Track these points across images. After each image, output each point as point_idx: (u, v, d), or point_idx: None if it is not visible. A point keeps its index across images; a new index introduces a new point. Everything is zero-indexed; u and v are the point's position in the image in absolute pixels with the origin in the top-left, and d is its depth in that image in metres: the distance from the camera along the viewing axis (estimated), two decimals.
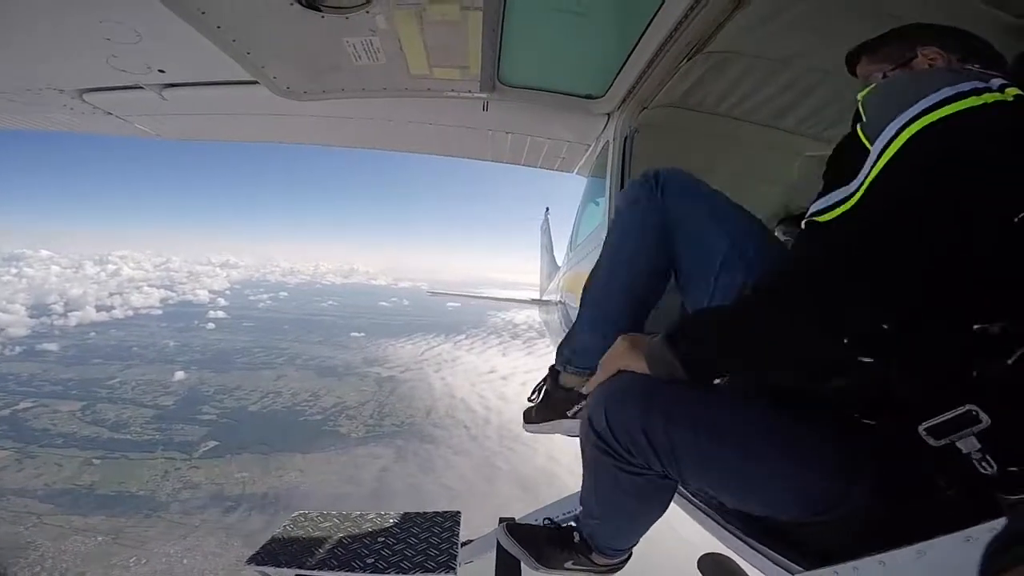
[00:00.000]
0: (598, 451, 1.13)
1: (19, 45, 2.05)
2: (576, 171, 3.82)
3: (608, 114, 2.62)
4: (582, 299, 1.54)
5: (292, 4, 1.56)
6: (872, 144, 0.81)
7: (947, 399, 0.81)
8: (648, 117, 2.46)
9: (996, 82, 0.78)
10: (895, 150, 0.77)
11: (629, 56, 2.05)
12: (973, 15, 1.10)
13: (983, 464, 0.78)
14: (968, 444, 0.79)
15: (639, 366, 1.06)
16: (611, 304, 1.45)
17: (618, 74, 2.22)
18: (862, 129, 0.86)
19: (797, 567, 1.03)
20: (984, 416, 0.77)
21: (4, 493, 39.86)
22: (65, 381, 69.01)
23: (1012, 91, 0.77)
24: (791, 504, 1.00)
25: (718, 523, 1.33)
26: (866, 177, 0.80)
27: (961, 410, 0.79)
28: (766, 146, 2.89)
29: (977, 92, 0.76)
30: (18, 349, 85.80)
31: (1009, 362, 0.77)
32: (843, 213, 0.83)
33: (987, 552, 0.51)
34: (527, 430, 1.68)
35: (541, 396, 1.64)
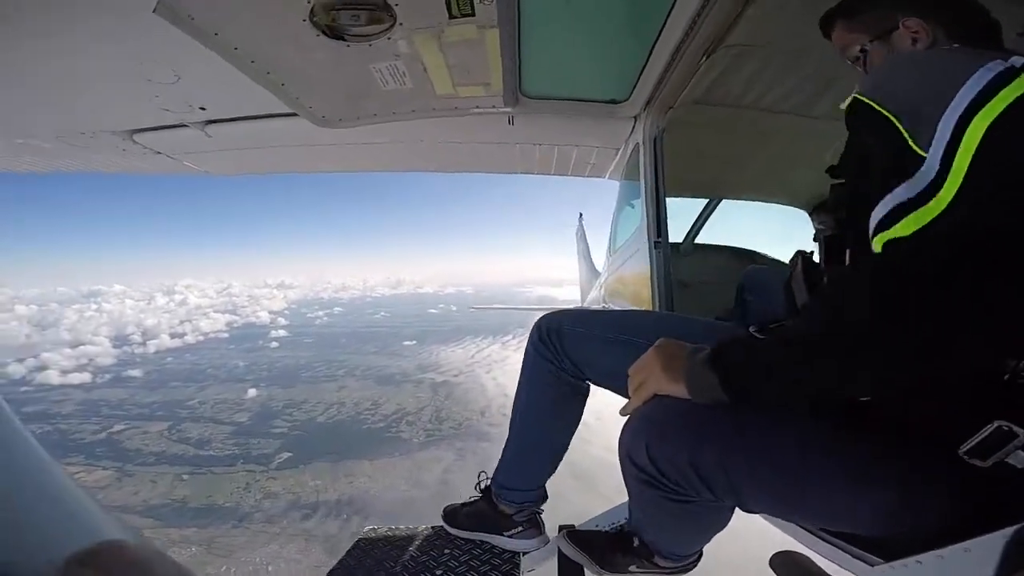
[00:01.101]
0: (641, 483, 1.04)
1: (71, 89, 2.13)
2: (608, 176, 3.79)
3: (635, 117, 2.58)
4: (510, 422, 1.63)
5: (318, 36, 1.62)
6: (921, 145, 0.71)
7: (974, 415, 0.75)
8: (675, 116, 2.42)
9: (1018, 60, 0.69)
10: (973, 148, 0.66)
11: (649, 57, 2.04)
12: None
13: None
14: (1019, 459, 0.72)
15: (677, 390, 0.94)
16: (530, 437, 1.61)
17: (640, 76, 2.20)
18: (897, 121, 0.75)
19: (878, 559, 0.97)
20: (1019, 430, 0.71)
21: (110, 510, 43.06)
22: (150, 404, 74.36)
23: None
24: (862, 524, 0.92)
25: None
26: (940, 181, 0.68)
27: (991, 428, 0.73)
28: (797, 135, 2.83)
29: (1015, 72, 0.67)
30: (107, 376, 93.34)
31: None
32: (932, 229, 0.69)
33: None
34: (450, 531, 1.79)
35: (474, 507, 1.76)
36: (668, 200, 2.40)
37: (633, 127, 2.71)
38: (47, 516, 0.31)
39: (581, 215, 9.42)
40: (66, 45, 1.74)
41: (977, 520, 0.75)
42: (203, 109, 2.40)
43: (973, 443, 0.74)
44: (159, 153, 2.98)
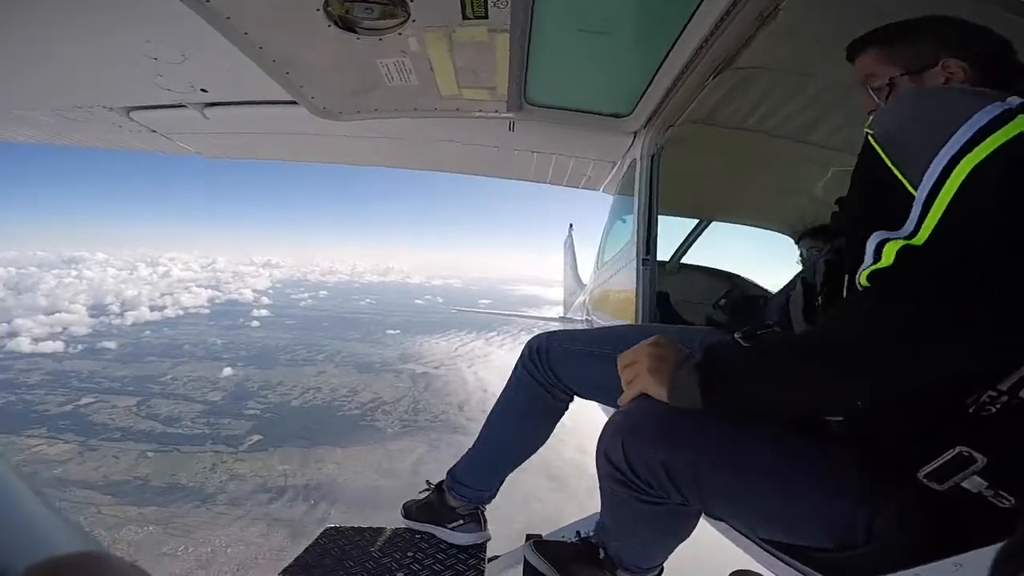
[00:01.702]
0: (614, 482, 1.10)
1: (72, 63, 2.13)
2: (602, 189, 3.80)
3: (635, 132, 2.59)
4: (483, 424, 1.74)
5: (330, 26, 1.62)
6: (915, 185, 0.74)
7: (937, 441, 0.79)
8: (675, 134, 2.43)
9: (1015, 100, 0.72)
10: (955, 187, 0.70)
11: (656, 74, 2.05)
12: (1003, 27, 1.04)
13: (1000, 500, 0.75)
14: (974, 484, 0.76)
15: (659, 394, 0.98)
16: (502, 441, 1.72)
17: (645, 92, 2.21)
18: (895, 166, 0.78)
19: None
20: (979, 456, 0.75)
21: (68, 484, 42.35)
22: (122, 378, 72.86)
23: None
24: (818, 535, 0.96)
25: (749, 539, 1.27)
26: (922, 218, 0.72)
27: (952, 453, 0.77)
28: (795, 160, 2.86)
29: (1010, 115, 0.70)
30: (80, 347, 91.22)
31: (997, 400, 0.74)
32: (907, 262, 0.74)
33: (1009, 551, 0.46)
34: (404, 523, 1.88)
35: (426, 499, 1.86)
36: (663, 218, 2.39)
37: (632, 142, 2.72)
38: (5, 525, 0.30)
39: (571, 225, 9.46)
40: (77, 20, 1.73)
41: (930, 544, 0.80)
42: (204, 91, 2.38)
43: (933, 467, 0.79)
44: (154, 132, 2.96)
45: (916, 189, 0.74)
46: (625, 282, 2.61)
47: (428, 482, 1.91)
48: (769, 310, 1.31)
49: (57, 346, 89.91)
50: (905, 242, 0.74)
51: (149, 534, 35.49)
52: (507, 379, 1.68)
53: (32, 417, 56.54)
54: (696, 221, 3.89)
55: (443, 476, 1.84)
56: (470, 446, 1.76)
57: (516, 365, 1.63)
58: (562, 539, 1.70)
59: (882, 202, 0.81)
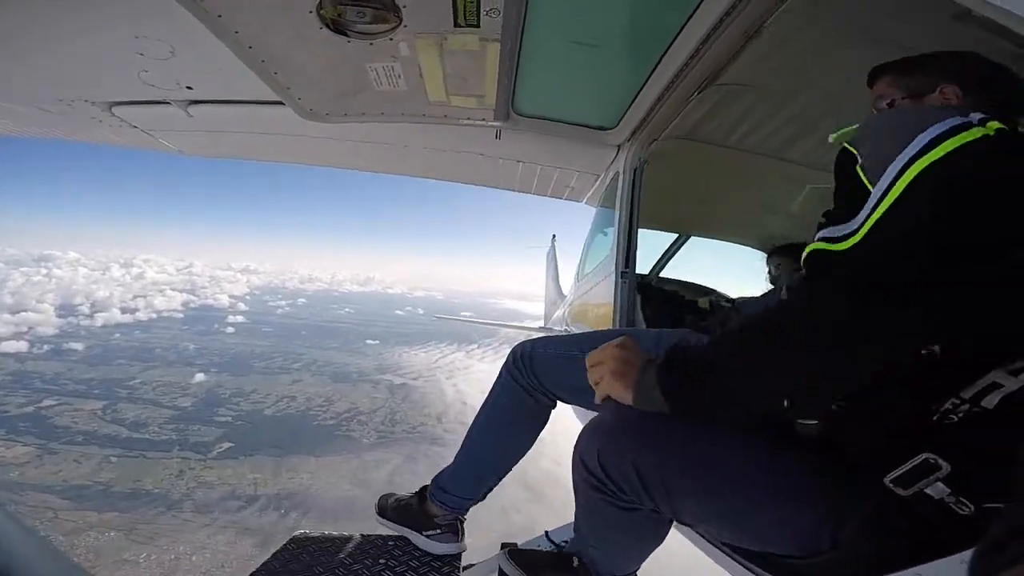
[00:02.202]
0: (589, 487, 1.12)
1: (56, 56, 2.10)
2: (585, 201, 3.84)
3: (618, 145, 2.62)
4: (467, 433, 1.73)
5: (321, 28, 1.62)
6: (873, 185, 0.79)
7: (905, 447, 0.82)
8: (658, 149, 2.46)
9: (976, 116, 0.76)
10: (900, 190, 0.74)
11: (641, 89, 2.07)
12: (990, 50, 1.10)
13: (960, 507, 0.78)
14: (937, 490, 0.79)
15: (625, 398, 0.98)
16: (484, 453, 1.71)
17: (630, 106, 2.24)
18: (861, 171, 0.83)
19: None
20: (943, 463, 0.78)
21: (24, 488, 40.67)
22: (88, 380, 70.47)
23: (993, 124, 0.75)
24: (785, 541, 0.99)
25: (717, 548, 1.29)
26: (868, 216, 0.77)
27: (918, 459, 0.80)
28: (774, 178, 2.90)
29: (966, 127, 0.74)
30: (46, 348, 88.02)
31: (960, 408, 0.77)
32: (845, 250, 0.79)
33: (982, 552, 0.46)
34: (378, 520, 1.83)
35: (405, 501, 1.82)
36: (640, 231, 2.44)
37: (616, 155, 2.76)
38: None
39: (554, 236, 9.46)
40: (64, 13, 1.72)
41: (894, 552, 0.82)
42: (190, 88, 2.36)
43: (900, 472, 0.82)
44: (135, 127, 2.91)
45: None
46: (604, 295, 2.64)
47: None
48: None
49: (21, 346, 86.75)
50: (845, 242, 0.79)
51: (109, 540, 34.23)
52: (491, 385, 1.68)
53: None
54: (675, 235, 3.96)
55: (425, 483, 1.80)
56: (455, 455, 1.74)
57: (500, 371, 1.65)
58: (537, 548, 1.70)
59: (845, 202, 0.85)
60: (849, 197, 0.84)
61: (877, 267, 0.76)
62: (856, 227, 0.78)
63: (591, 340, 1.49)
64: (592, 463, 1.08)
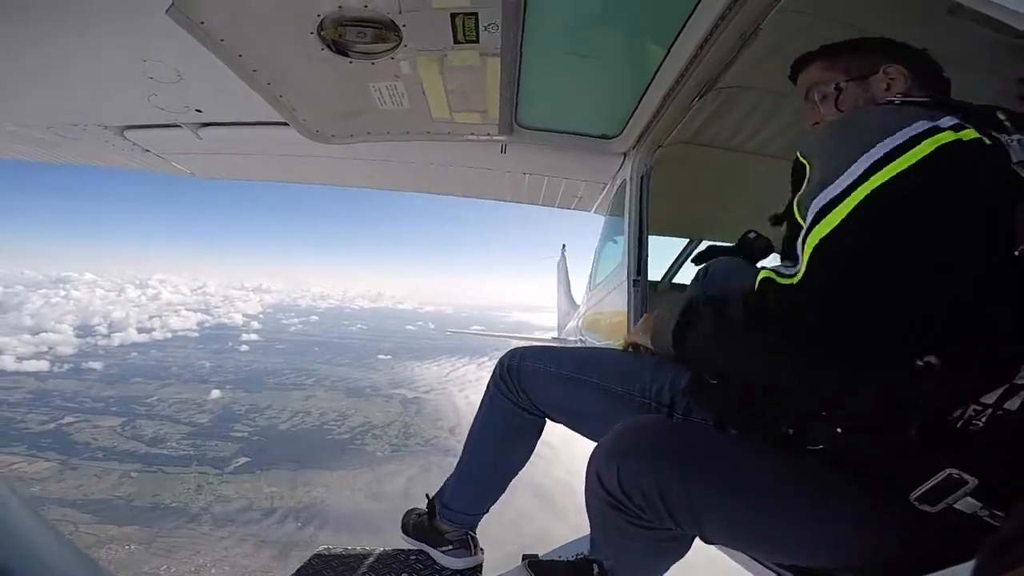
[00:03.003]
0: (606, 506, 1.06)
1: (69, 81, 2.12)
2: (594, 210, 3.82)
3: (624, 153, 2.60)
4: (463, 447, 1.67)
5: (323, 50, 1.63)
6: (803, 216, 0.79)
7: (926, 462, 0.78)
8: (663, 155, 2.45)
9: (948, 121, 0.72)
10: (836, 223, 0.72)
11: (643, 96, 2.07)
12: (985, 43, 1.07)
13: (996, 519, 0.74)
14: (967, 504, 0.75)
15: (644, 340, 1.26)
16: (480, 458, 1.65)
17: (632, 114, 2.24)
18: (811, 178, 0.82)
19: None
20: (969, 478, 0.73)
21: (46, 502, 41.24)
22: (107, 398, 71.58)
23: (969, 133, 0.72)
24: (818, 556, 0.95)
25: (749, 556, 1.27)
26: (801, 254, 0.76)
27: (941, 476, 0.75)
28: (780, 179, 2.88)
29: (929, 133, 0.71)
30: (66, 367, 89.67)
31: (983, 413, 0.73)
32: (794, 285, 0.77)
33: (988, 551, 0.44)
34: (402, 537, 1.79)
35: (420, 517, 1.77)
36: (652, 238, 2.42)
37: (622, 163, 2.75)
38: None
39: (564, 246, 9.43)
40: (73, 39, 1.74)
41: (926, 564, 0.78)
42: (199, 111, 2.39)
43: (924, 489, 0.77)
44: (147, 151, 2.95)
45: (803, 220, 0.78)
46: (617, 303, 2.61)
47: (428, 495, 1.81)
48: None
49: (41, 365, 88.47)
50: (773, 275, 0.79)
51: (130, 553, 34.65)
52: (480, 399, 1.63)
53: (12, 435, 55.48)
54: (687, 240, 3.94)
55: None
56: (453, 470, 1.70)
57: (488, 384, 1.59)
58: (559, 558, 1.67)
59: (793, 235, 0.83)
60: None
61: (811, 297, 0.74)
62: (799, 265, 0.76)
63: (582, 358, 1.47)
64: (611, 484, 1.02)
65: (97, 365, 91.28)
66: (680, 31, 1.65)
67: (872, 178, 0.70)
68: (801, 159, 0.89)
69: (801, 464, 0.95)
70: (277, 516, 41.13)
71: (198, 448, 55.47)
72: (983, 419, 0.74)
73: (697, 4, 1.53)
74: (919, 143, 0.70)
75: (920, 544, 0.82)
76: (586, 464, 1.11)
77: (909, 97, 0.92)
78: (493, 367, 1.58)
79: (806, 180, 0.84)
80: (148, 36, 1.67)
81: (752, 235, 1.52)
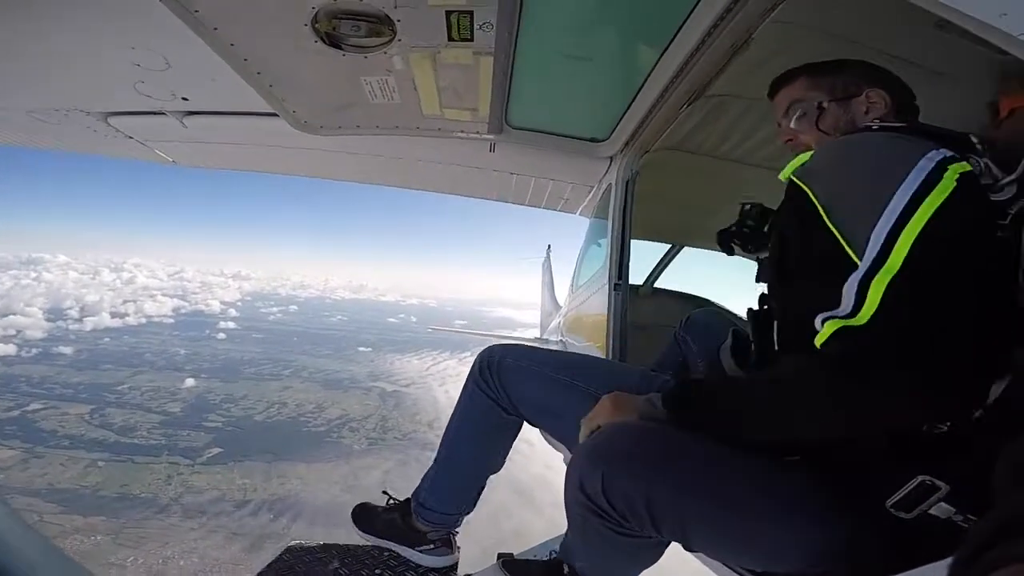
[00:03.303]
0: (586, 511, 1.04)
1: (54, 67, 2.11)
2: (579, 212, 3.87)
3: (611, 157, 2.64)
4: (439, 445, 1.65)
5: (316, 42, 1.63)
6: (859, 254, 0.77)
7: (899, 469, 0.80)
8: (650, 160, 2.49)
9: (941, 153, 0.78)
10: (901, 261, 0.73)
11: (633, 101, 2.10)
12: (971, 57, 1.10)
13: (967, 523, 0.76)
14: (942, 510, 0.77)
15: (626, 416, 1.09)
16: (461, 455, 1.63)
17: (622, 118, 2.26)
18: (837, 229, 0.81)
19: None
20: (941, 484, 0.76)
21: (9, 491, 39.97)
22: (76, 384, 69.48)
23: (960, 167, 0.77)
24: (795, 560, 0.97)
25: (726, 566, 1.28)
26: (864, 294, 0.75)
27: (915, 483, 0.78)
28: (766, 188, 2.92)
29: (947, 163, 0.76)
30: (34, 351, 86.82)
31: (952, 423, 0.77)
32: (862, 326, 0.76)
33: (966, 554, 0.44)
34: (357, 533, 1.72)
35: (391, 517, 1.71)
36: (635, 242, 2.45)
37: (609, 167, 2.77)
38: None
39: (549, 247, 9.47)
40: (62, 22, 1.72)
41: (902, 565, 0.80)
42: (185, 99, 2.37)
43: (898, 496, 0.80)
44: (131, 138, 2.92)
45: (859, 256, 0.77)
46: (598, 306, 2.64)
47: (386, 493, 1.79)
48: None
49: (8, 349, 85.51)
50: (844, 322, 0.77)
51: (96, 544, 33.72)
52: (459, 395, 1.62)
53: None
54: (669, 245, 3.99)
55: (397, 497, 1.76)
56: (429, 468, 1.67)
57: (467, 379, 1.58)
58: (534, 557, 1.70)
59: (822, 261, 0.85)
60: (819, 256, 0.85)
61: (892, 349, 0.74)
62: (851, 309, 0.76)
63: (570, 362, 1.48)
64: (593, 490, 0.99)
65: (67, 350, 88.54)
66: (673, 38, 1.67)
67: (918, 212, 0.74)
68: (800, 184, 0.89)
69: (783, 470, 0.98)
70: (250, 508, 40.43)
71: (169, 438, 54.15)
72: (947, 424, 0.78)
73: (691, 12, 1.55)
74: (942, 174, 0.75)
75: (896, 548, 0.85)
76: (566, 466, 1.10)
77: (886, 123, 0.96)
78: (471, 365, 1.56)
79: (813, 205, 0.85)
80: (137, 22, 1.66)
81: (747, 206, 1.54)
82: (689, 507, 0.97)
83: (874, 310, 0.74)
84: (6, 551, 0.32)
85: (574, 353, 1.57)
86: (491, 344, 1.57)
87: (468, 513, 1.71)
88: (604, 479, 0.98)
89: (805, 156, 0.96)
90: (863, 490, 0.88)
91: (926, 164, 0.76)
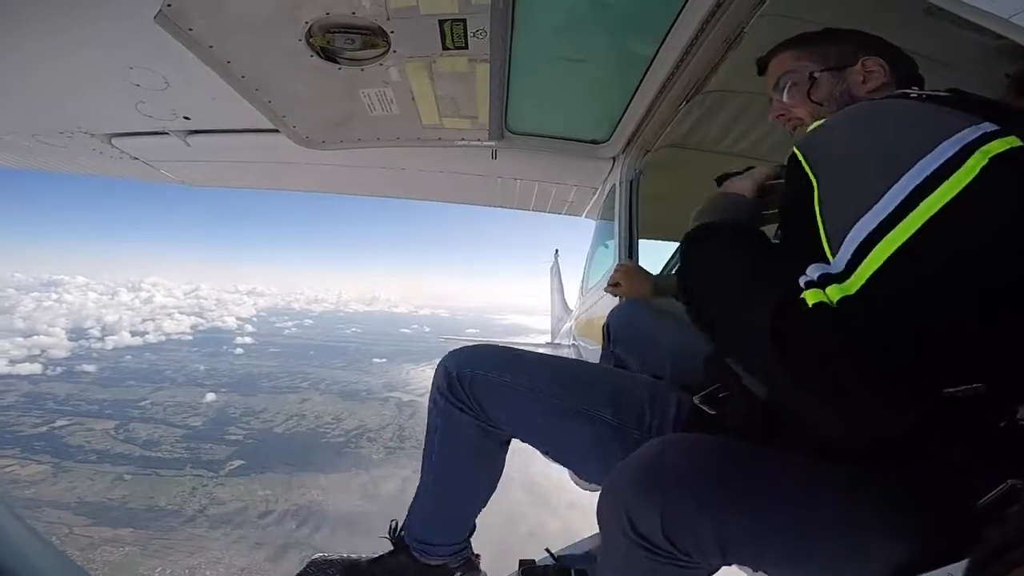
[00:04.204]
0: (636, 547, 0.83)
1: (55, 88, 2.08)
2: (585, 215, 3.83)
3: (613, 158, 2.60)
4: (422, 470, 1.41)
5: (312, 56, 1.62)
6: (833, 256, 0.65)
7: (985, 472, 0.71)
8: (652, 159, 2.46)
9: (989, 126, 0.62)
10: (862, 283, 0.61)
11: (631, 100, 2.08)
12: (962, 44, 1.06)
13: None
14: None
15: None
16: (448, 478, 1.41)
17: (621, 118, 2.24)
18: (822, 218, 0.69)
19: None
20: None
21: (39, 505, 40.94)
22: (100, 401, 71.14)
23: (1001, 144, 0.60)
24: (874, 573, 0.84)
25: None
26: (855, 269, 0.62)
27: (1004, 487, 0.69)
28: None
29: (984, 140, 0.60)
30: (59, 369, 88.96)
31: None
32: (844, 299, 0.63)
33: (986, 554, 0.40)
34: None
35: (391, 561, 1.45)
36: (642, 242, 2.44)
37: (612, 168, 2.75)
38: None
39: (557, 251, 9.46)
40: (59, 45, 1.73)
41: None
42: (187, 119, 2.37)
43: (988, 500, 0.69)
44: (136, 159, 2.92)
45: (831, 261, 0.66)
46: (608, 307, 2.62)
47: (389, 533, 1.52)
48: None
49: (35, 368, 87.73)
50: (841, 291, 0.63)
51: (125, 555, 34.63)
52: (428, 410, 1.38)
53: (5, 438, 55.07)
54: (677, 244, 3.96)
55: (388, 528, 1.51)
56: (416, 498, 1.44)
57: (432, 394, 1.33)
58: (558, 557, 1.55)
59: (805, 259, 0.69)
60: (799, 229, 0.73)
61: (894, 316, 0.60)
62: (840, 271, 0.63)
63: (561, 374, 1.29)
64: (648, 527, 0.80)
65: (91, 368, 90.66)
66: (666, 35, 1.66)
67: (904, 220, 0.60)
68: (799, 156, 0.76)
69: (866, 479, 0.82)
70: (273, 518, 41.07)
71: (192, 451, 55.17)
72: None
73: (682, 9, 1.54)
74: (963, 161, 0.60)
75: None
76: (600, 495, 0.90)
77: (931, 92, 0.79)
78: (433, 376, 1.33)
79: (809, 182, 0.73)
80: (134, 42, 1.67)
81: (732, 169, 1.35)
82: (767, 537, 0.81)
83: (862, 272, 0.62)
84: (7, 551, 0.32)
85: (558, 357, 1.34)
86: (452, 350, 1.33)
87: (473, 532, 1.53)
88: (664, 517, 0.78)
89: (817, 123, 0.80)
90: (948, 498, 0.76)
91: (947, 148, 0.61)
